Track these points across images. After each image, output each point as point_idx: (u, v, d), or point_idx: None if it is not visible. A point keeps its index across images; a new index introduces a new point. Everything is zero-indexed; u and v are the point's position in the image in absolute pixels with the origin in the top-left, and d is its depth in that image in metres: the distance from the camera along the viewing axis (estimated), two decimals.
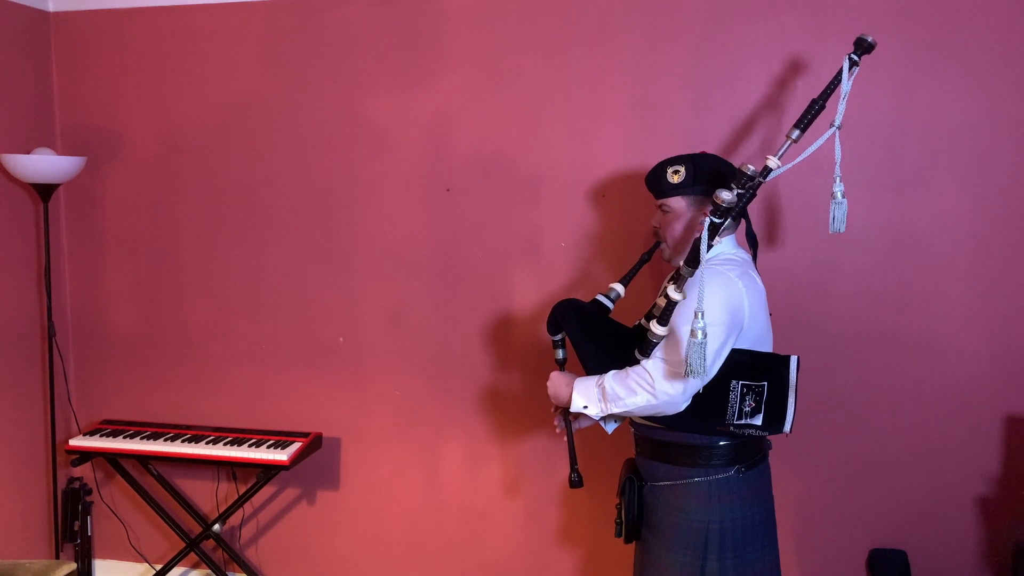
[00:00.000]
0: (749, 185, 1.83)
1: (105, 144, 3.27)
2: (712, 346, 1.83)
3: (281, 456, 2.92)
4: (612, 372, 1.99)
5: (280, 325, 3.20)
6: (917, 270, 2.70)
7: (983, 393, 2.70)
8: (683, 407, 1.90)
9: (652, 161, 2.16)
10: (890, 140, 2.68)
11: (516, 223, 2.96)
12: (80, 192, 3.31)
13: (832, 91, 1.92)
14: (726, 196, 1.76)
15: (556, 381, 2.12)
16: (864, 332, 2.75)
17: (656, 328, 1.88)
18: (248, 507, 3.30)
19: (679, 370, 1.84)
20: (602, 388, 1.98)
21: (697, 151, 2.15)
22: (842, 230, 1.90)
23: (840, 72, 1.87)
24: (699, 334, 1.74)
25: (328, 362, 3.17)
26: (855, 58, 1.88)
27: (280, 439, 3.06)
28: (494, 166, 2.96)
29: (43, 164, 2.97)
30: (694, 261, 1.80)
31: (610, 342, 2.10)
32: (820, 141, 1.85)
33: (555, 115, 2.89)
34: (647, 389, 1.89)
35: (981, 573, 2.76)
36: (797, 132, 1.91)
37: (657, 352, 1.91)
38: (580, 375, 2.11)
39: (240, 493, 3.27)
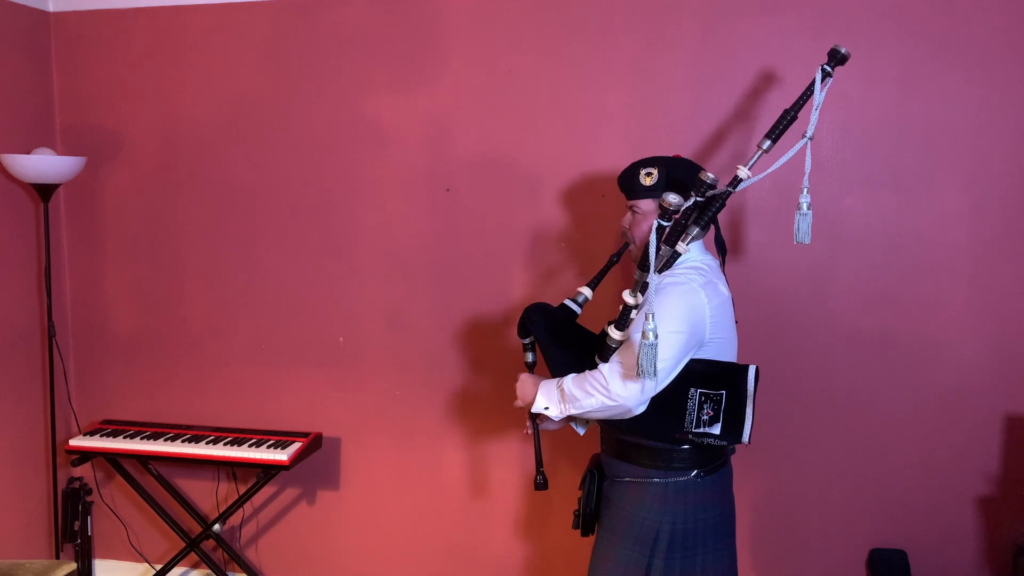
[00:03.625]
0: (710, 193, 1.82)
1: (105, 144, 3.27)
2: (669, 353, 1.84)
3: (281, 456, 2.92)
4: (572, 374, 2.00)
5: (280, 325, 3.20)
6: (917, 270, 2.71)
7: (983, 393, 2.70)
8: (638, 411, 1.90)
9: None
10: (890, 140, 2.69)
11: (516, 223, 2.96)
12: (80, 192, 3.31)
13: (805, 102, 1.90)
14: (672, 199, 1.75)
15: (524, 382, 2.14)
16: (864, 332, 2.75)
17: (613, 333, 1.90)
18: (248, 507, 3.30)
19: (633, 373, 1.84)
20: (561, 390, 2.00)
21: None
22: (807, 241, 1.88)
23: (813, 83, 1.86)
24: (650, 335, 1.72)
25: (328, 362, 3.17)
26: (828, 69, 1.87)
27: (280, 439, 3.06)
28: (494, 166, 2.96)
29: (43, 164, 2.97)
30: (645, 265, 1.80)
31: (575, 346, 2.12)
32: (791, 152, 1.83)
33: (555, 115, 2.89)
34: (602, 392, 1.89)
35: (981, 573, 2.76)
36: (768, 142, 1.90)
37: (614, 356, 1.92)
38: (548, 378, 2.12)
39: (240, 493, 3.27)
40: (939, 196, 2.67)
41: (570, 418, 2.10)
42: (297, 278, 3.17)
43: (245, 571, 3.28)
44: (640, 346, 1.73)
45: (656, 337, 1.72)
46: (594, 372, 1.93)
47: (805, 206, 1.87)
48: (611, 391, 1.87)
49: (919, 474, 2.76)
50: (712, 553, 2.01)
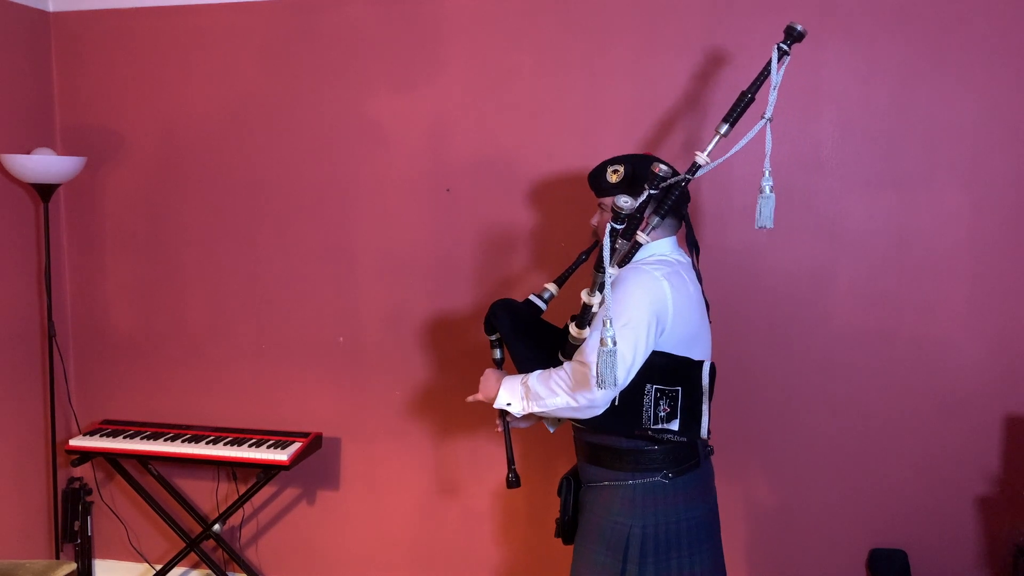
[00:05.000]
0: (664, 185, 1.78)
1: (105, 144, 3.27)
2: (630, 349, 1.80)
3: (281, 456, 2.92)
4: (537, 371, 1.98)
5: (280, 325, 3.20)
6: (917, 270, 2.71)
7: (983, 393, 2.70)
8: (601, 411, 1.86)
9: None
10: (890, 140, 2.69)
11: (516, 223, 2.96)
12: (80, 192, 3.31)
13: (762, 83, 1.85)
14: (622, 202, 1.67)
15: (488, 377, 2.12)
16: (864, 331, 2.75)
17: (574, 331, 1.88)
18: (248, 507, 3.30)
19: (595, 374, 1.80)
20: (525, 387, 1.98)
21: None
22: (769, 226, 1.80)
23: (769, 63, 1.81)
24: (609, 342, 1.64)
25: (328, 362, 3.17)
26: (785, 47, 1.81)
27: (280, 439, 3.06)
28: (494, 166, 2.96)
29: (43, 164, 2.97)
30: (599, 265, 1.75)
31: (538, 342, 2.10)
32: (751, 135, 1.78)
33: (555, 115, 2.89)
34: (565, 391, 1.86)
35: (981, 573, 2.76)
36: (726, 126, 1.86)
37: (578, 355, 1.89)
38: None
39: (240, 493, 3.27)
40: (939, 196, 2.67)
41: (539, 416, 2.07)
42: (297, 278, 3.17)
43: (245, 571, 3.28)
44: (599, 353, 1.67)
45: (615, 344, 1.65)
46: (558, 370, 1.91)
47: (767, 189, 1.79)
48: (574, 391, 1.85)
49: (919, 474, 2.76)
50: (688, 557, 1.96)
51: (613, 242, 1.72)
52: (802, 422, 2.82)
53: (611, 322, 1.67)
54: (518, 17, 2.89)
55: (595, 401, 1.83)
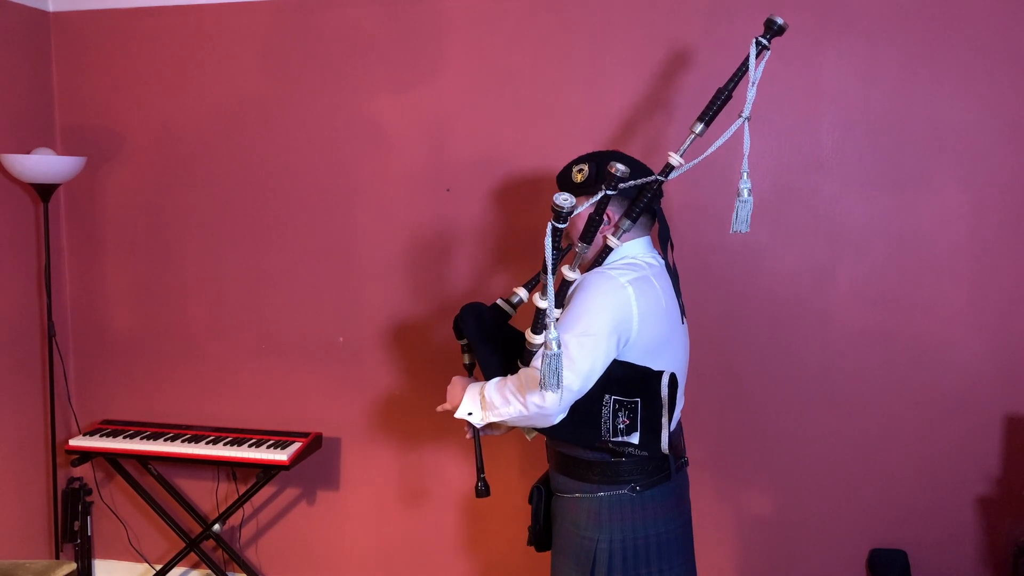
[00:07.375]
0: (622, 186, 1.72)
1: (105, 144, 3.27)
2: (587, 358, 1.73)
3: (281, 456, 2.92)
4: (496, 379, 1.90)
5: (280, 325, 3.20)
6: (917, 270, 2.71)
7: (983, 393, 2.70)
8: (556, 420, 1.78)
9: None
10: (890, 140, 2.69)
11: (515, 223, 2.96)
12: (80, 192, 3.31)
13: (739, 79, 1.79)
14: (561, 201, 1.56)
15: (454, 385, 2.05)
16: (864, 332, 2.75)
17: (531, 336, 1.82)
18: (248, 507, 3.30)
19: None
20: (482, 396, 1.90)
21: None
22: (744, 230, 1.73)
23: (747, 58, 1.74)
24: (553, 345, 1.55)
25: (328, 362, 3.17)
26: (764, 41, 1.74)
27: (280, 439, 3.06)
28: (494, 166, 2.96)
29: (43, 164, 2.97)
30: (544, 267, 1.67)
31: (504, 348, 2.02)
32: (728, 133, 1.72)
33: (555, 115, 2.89)
34: (517, 399, 1.78)
35: (981, 573, 2.76)
36: (701, 126, 1.80)
37: (533, 362, 1.81)
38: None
39: (240, 493, 3.27)
40: (939, 196, 2.67)
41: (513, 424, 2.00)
42: (297, 278, 3.17)
43: (245, 571, 3.28)
44: (542, 357, 1.58)
45: (559, 347, 1.57)
46: (513, 378, 1.84)
47: (745, 192, 1.71)
48: (527, 399, 1.76)
49: (919, 474, 2.76)
50: (659, 572, 1.88)
51: (554, 242, 1.61)
52: (802, 422, 2.82)
53: (554, 324, 1.59)
54: (518, 17, 2.89)
55: (545, 408, 1.75)
